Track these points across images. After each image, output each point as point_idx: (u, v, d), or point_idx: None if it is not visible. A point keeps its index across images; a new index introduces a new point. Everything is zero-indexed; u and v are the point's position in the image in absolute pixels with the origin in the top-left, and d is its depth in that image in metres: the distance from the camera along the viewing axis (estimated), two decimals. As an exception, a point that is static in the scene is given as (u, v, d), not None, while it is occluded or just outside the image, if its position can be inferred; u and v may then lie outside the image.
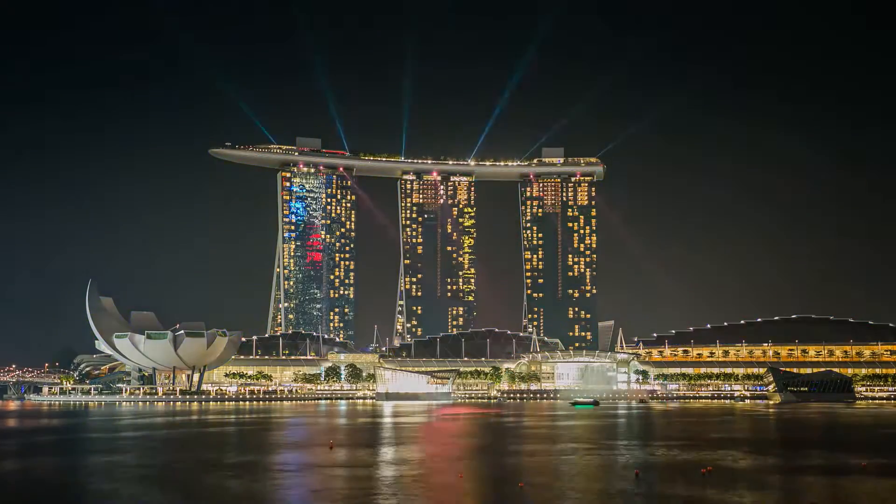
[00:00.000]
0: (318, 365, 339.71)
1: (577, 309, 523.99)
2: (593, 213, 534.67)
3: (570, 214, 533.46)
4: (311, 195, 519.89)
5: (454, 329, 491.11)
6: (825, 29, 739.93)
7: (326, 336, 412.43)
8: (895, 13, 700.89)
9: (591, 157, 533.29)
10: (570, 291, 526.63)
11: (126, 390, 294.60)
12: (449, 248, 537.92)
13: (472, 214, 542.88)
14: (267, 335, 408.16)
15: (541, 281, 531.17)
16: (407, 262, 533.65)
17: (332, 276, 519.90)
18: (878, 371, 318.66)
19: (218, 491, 57.27)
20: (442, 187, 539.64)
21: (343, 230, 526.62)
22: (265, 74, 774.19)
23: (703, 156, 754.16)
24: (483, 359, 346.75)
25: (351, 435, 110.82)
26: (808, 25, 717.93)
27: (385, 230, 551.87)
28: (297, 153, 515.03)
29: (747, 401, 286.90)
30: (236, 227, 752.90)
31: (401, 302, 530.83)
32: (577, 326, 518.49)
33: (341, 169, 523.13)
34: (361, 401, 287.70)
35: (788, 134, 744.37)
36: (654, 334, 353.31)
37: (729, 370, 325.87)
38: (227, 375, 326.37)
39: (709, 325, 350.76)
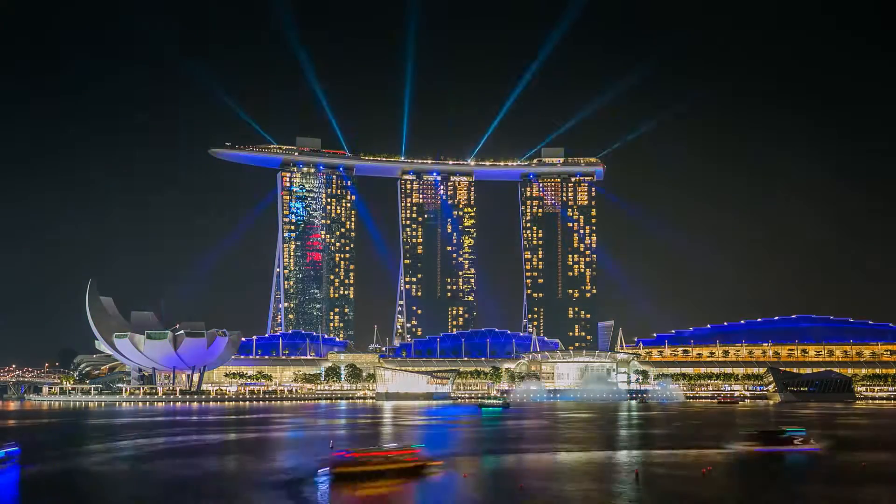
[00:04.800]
0: (318, 365, 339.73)
1: (577, 309, 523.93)
2: (593, 213, 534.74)
3: (570, 214, 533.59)
4: (311, 195, 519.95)
5: (454, 329, 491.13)
6: (825, 39, 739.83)
7: (326, 336, 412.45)
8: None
9: (591, 157, 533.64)
10: (570, 291, 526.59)
11: (126, 390, 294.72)
12: (449, 248, 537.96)
13: (472, 214, 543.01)
14: (267, 335, 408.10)
15: (541, 281, 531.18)
16: (407, 262, 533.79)
17: (332, 276, 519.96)
18: (878, 371, 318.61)
19: None
20: (442, 187, 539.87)
21: (343, 230, 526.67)
22: (265, 75, 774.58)
23: (703, 156, 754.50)
24: (483, 359, 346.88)
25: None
26: (807, 33, 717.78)
27: (385, 230, 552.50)
28: (297, 153, 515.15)
29: (747, 401, 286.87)
30: (236, 227, 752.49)
31: (401, 302, 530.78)
32: (577, 326, 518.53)
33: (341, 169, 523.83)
34: (361, 401, 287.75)
35: (788, 136, 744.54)
36: (654, 334, 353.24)
37: (729, 370, 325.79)
38: (227, 375, 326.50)
39: (709, 325, 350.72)
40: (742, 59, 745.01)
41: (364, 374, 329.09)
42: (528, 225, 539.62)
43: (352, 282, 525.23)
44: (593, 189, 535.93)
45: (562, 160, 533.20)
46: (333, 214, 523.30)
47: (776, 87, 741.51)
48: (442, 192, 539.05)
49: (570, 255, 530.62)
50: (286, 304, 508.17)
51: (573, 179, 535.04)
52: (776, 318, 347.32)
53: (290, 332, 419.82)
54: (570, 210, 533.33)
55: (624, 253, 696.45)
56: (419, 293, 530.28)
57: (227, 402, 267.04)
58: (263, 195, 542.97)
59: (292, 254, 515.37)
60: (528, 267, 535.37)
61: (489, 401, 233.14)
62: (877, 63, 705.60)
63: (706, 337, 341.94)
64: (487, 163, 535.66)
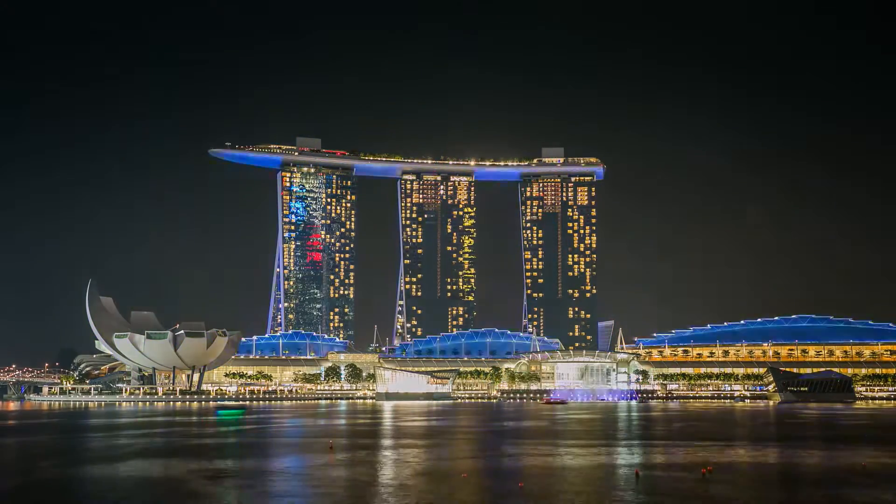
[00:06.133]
0: (318, 365, 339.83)
1: (577, 309, 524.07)
2: (593, 213, 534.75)
3: (570, 214, 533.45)
4: (311, 195, 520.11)
5: (454, 329, 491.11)
6: (826, 34, 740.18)
7: (326, 336, 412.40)
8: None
9: (591, 157, 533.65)
10: (570, 291, 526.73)
11: (126, 390, 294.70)
12: (449, 248, 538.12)
13: (472, 214, 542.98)
14: (267, 335, 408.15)
15: (541, 281, 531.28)
16: (407, 262, 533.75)
17: (332, 276, 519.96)
18: (878, 371, 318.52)
19: None
20: (442, 187, 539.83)
21: (343, 230, 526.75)
22: (265, 74, 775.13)
23: (703, 156, 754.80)
24: (483, 359, 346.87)
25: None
26: (809, 28, 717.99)
27: (385, 230, 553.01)
28: (297, 153, 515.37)
29: (747, 401, 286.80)
30: (236, 227, 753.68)
31: (401, 302, 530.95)
32: (577, 326, 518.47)
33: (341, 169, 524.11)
34: (361, 401, 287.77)
35: (788, 136, 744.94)
36: (654, 334, 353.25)
37: (729, 370, 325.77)
38: (227, 375, 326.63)
39: (709, 325, 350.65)
40: (743, 54, 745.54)
41: (364, 374, 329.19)
42: (528, 225, 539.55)
43: (352, 282, 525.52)
44: (593, 189, 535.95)
45: (562, 160, 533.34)
46: (333, 214, 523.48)
47: (776, 83, 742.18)
48: (442, 192, 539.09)
49: (570, 255, 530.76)
50: (286, 304, 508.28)
51: (573, 179, 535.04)
52: (776, 318, 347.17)
53: (290, 332, 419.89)
54: (570, 210, 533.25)
55: (624, 253, 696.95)
56: (419, 293, 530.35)
57: (226, 403, 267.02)
58: (263, 195, 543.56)
59: (292, 254, 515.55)
60: (528, 267, 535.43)
61: (227, 403, 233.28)
62: (877, 61, 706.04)
63: (706, 337, 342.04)
64: (487, 163, 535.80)
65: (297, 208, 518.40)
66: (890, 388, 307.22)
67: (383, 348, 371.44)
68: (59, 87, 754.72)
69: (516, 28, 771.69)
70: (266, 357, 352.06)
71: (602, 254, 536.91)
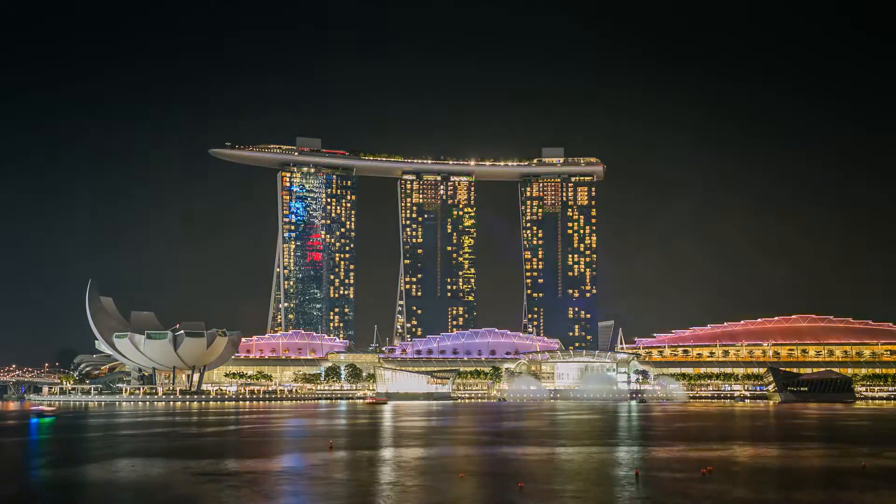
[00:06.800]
0: (318, 365, 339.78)
1: (577, 309, 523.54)
2: (593, 213, 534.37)
3: (570, 214, 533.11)
4: (311, 195, 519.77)
5: (454, 329, 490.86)
6: (823, 30, 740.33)
7: (326, 336, 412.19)
8: None
9: (591, 157, 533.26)
10: (570, 291, 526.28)
11: (126, 390, 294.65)
12: (449, 248, 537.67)
13: (472, 214, 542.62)
14: (267, 335, 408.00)
15: (541, 281, 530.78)
16: (407, 262, 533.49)
17: (332, 276, 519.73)
18: (878, 371, 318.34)
19: None
20: (442, 187, 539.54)
21: (343, 230, 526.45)
22: (265, 74, 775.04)
23: (703, 156, 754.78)
24: (483, 359, 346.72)
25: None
26: (806, 24, 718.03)
27: (385, 230, 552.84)
28: (297, 153, 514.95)
29: (747, 401, 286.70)
30: (236, 227, 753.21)
31: (401, 302, 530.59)
32: (577, 326, 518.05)
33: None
34: (361, 401, 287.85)
35: (789, 135, 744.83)
36: (654, 334, 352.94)
37: (729, 370, 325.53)
38: (227, 375, 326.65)
39: (709, 325, 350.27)
40: (744, 55, 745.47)
41: (364, 374, 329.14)
42: (528, 225, 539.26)
43: (352, 282, 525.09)
44: (593, 189, 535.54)
45: (562, 160, 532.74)
46: (333, 214, 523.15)
47: (776, 83, 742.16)
48: (442, 192, 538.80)
49: (570, 255, 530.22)
50: (286, 304, 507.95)
51: (573, 179, 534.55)
52: (776, 318, 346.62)
53: (290, 332, 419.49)
54: (570, 210, 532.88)
55: (624, 253, 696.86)
56: (419, 293, 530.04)
57: (226, 402, 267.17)
58: (263, 195, 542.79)
59: (292, 254, 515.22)
60: (528, 267, 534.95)
61: (44, 408, 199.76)
62: (879, 58, 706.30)
63: (706, 337, 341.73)
64: (487, 163, 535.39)
65: (297, 208, 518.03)
66: (890, 388, 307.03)
67: (383, 348, 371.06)
68: (59, 87, 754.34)
69: (516, 28, 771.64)
70: (266, 357, 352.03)
71: (602, 254, 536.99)
